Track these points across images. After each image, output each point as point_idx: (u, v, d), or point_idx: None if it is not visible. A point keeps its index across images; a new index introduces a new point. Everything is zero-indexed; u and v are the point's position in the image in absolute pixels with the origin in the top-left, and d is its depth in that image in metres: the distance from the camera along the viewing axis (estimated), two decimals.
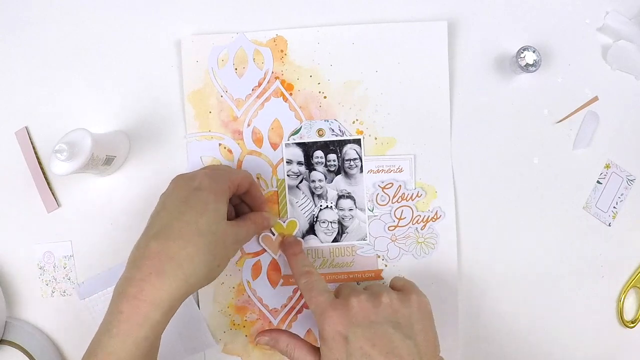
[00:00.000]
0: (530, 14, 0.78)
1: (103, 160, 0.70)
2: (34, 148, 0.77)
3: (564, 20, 0.78)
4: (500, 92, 0.77)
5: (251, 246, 0.75)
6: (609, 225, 0.78)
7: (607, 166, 0.78)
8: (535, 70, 0.74)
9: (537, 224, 0.78)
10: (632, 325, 0.79)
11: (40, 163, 0.77)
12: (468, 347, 0.77)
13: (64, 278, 0.77)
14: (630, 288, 0.79)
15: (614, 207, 0.78)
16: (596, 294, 0.79)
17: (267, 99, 0.75)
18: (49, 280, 0.77)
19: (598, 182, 0.78)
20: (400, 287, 0.67)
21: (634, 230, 0.79)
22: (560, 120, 0.77)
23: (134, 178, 0.77)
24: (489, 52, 0.77)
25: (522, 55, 0.74)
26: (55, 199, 0.77)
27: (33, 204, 0.77)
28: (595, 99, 0.77)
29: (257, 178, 0.75)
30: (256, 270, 0.75)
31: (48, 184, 0.77)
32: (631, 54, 0.76)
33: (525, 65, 0.74)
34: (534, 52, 0.74)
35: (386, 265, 0.75)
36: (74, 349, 0.79)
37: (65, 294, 0.77)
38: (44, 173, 0.77)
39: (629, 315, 0.79)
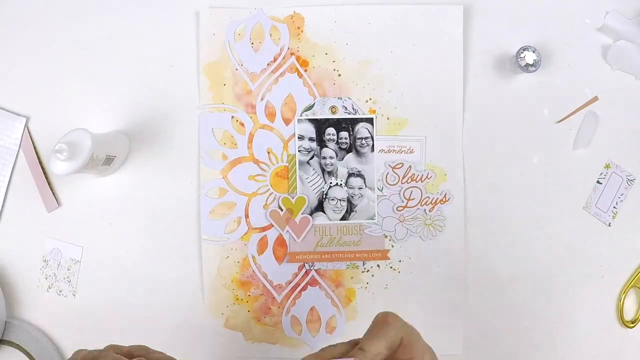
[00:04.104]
0: (530, 14, 0.79)
1: (103, 160, 0.71)
2: (34, 147, 0.77)
3: (564, 20, 0.79)
4: (500, 92, 0.78)
5: (258, 220, 0.75)
6: (609, 225, 0.79)
7: (607, 166, 0.79)
8: (535, 70, 0.75)
9: (537, 223, 0.78)
10: (632, 325, 0.79)
11: (40, 162, 0.77)
12: (470, 330, 0.76)
13: (64, 279, 0.77)
14: (630, 288, 0.79)
15: (614, 207, 0.79)
16: (596, 294, 0.79)
17: (281, 74, 0.75)
18: (49, 275, 0.77)
19: (598, 182, 0.79)
20: None
21: (634, 230, 0.79)
22: (560, 120, 0.79)
23: (134, 178, 0.77)
24: (488, 53, 0.78)
25: (522, 55, 0.75)
26: (55, 198, 0.77)
27: (33, 202, 0.77)
28: (595, 99, 0.79)
29: (268, 152, 0.75)
30: (262, 245, 0.75)
31: (48, 183, 0.77)
32: (631, 54, 0.78)
33: (525, 65, 0.75)
34: (534, 52, 0.75)
35: (393, 246, 0.75)
36: (74, 349, 0.75)
37: (60, 293, 0.77)
38: (44, 172, 0.77)
39: (629, 315, 0.79)
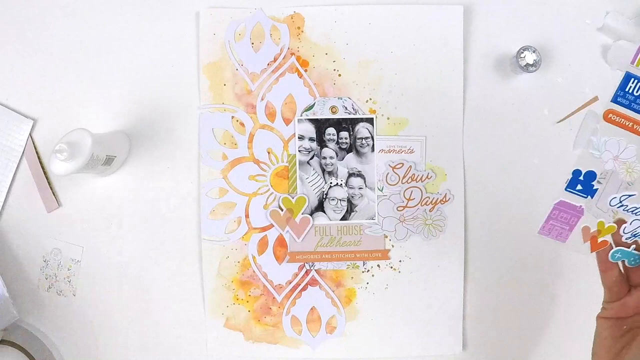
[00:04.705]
0: (530, 14, 0.79)
1: (103, 160, 0.71)
2: (34, 147, 0.77)
3: (564, 20, 0.79)
4: (500, 92, 0.78)
5: (258, 220, 0.75)
6: None
7: None
8: (535, 70, 0.75)
9: (537, 223, 0.78)
10: None
11: (41, 162, 0.77)
12: (470, 330, 0.76)
13: (64, 279, 0.77)
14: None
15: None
16: (596, 294, 0.79)
17: (282, 74, 0.75)
18: (49, 275, 0.77)
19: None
20: None
21: None
22: (560, 120, 0.79)
23: (134, 178, 0.77)
24: (488, 53, 0.78)
25: (522, 55, 0.74)
26: (55, 198, 0.77)
27: (33, 203, 0.77)
28: (596, 99, 0.79)
29: (268, 152, 0.75)
30: (262, 245, 0.75)
31: (49, 183, 0.77)
32: (631, 54, 0.78)
33: (525, 65, 0.74)
34: (534, 52, 0.74)
35: (393, 246, 0.75)
36: (73, 349, 0.78)
37: (61, 293, 0.77)
38: (44, 172, 0.77)
39: None
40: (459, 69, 0.76)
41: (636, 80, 0.55)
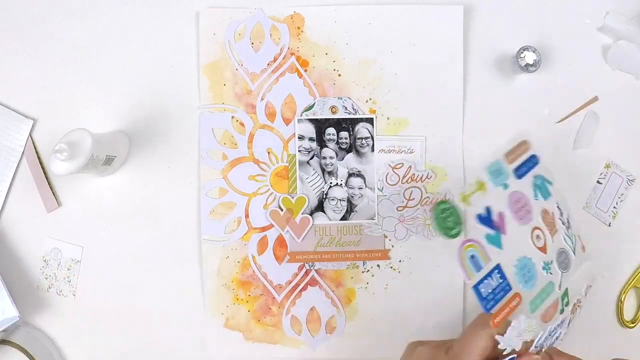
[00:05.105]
0: (530, 14, 0.79)
1: (103, 160, 0.71)
2: (34, 147, 0.77)
3: (564, 20, 0.79)
4: (501, 92, 0.78)
5: (258, 220, 0.75)
6: (609, 225, 0.79)
7: (607, 166, 0.79)
8: (535, 70, 0.75)
9: None
10: (632, 325, 0.79)
11: (41, 162, 0.77)
12: None
13: (64, 278, 0.77)
14: (630, 288, 0.79)
15: (614, 207, 0.79)
16: (596, 294, 0.79)
17: (282, 74, 0.75)
18: (49, 275, 0.77)
19: (598, 182, 0.79)
20: None
21: (634, 230, 0.79)
22: (560, 120, 0.79)
23: (134, 178, 0.77)
24: (488, 53, 0.78)
25: (522, 55, 0.74)
26: (55, 198, 0.77)
27: (33, 202, 0.77)
28: (595, 99, 0.79)
29: (268, 152, 0.75)
30: (262, 245, 0.75)
31: (49, 183, 0.77)
32: (631, 54, 0.78)
33: (525, 65, 0.74)
34: (534, 52, 0.75)
35: (393, 246, 0.75)
36: (74, 349, 0.78)
37: (60, 293, 0.77)
38: (44, 172, 0.77)
39: (629, 315, 0.79)
40: (458, 69, 0.76)
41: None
